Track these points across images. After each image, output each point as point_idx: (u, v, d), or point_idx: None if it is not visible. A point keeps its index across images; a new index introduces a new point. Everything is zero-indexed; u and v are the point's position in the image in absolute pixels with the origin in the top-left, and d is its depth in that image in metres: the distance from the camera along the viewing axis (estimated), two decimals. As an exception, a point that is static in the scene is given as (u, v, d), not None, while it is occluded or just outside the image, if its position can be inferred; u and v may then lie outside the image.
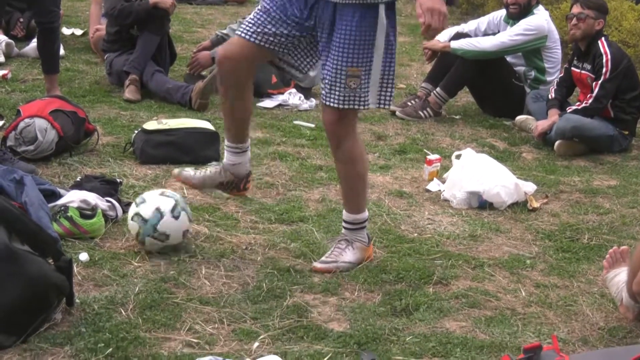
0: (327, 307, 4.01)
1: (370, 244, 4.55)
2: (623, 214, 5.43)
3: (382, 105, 4.47)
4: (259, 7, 4.43)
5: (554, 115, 6.62)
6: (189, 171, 4.77)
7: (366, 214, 4.56)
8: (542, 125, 6.60)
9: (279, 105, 7.26)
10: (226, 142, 4.74)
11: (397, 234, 4.88)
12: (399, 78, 8.27)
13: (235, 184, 4.74)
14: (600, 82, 6.44)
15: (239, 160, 4.70)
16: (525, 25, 7.08)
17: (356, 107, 4.29)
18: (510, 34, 7.07)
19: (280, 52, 4.45)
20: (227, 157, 4.72)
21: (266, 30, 4.32)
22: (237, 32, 4.54)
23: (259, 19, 4.37)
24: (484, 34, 7.32)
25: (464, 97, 7.47)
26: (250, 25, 4.36)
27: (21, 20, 8.40)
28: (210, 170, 4.74)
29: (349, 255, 4.42)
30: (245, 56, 4.41)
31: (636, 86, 6.69)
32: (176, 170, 4.78)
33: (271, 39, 4.33)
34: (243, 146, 4.69)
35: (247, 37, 4.35)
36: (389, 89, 4.42)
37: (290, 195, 5.14)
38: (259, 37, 4.32)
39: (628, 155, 6.58)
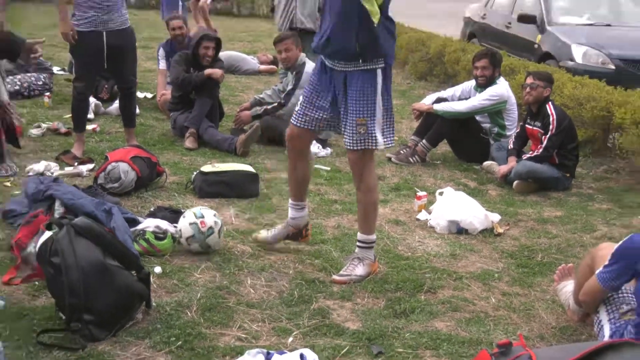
0: (344, 310, 4.02)
1: (375, 260, 4.58)
2: (567, 238, 5.42)
3: (387, 145, 4.56)
4: (302, 98, 4.61)
5: (512, 161, 6.64)
6: (263, 232, 4.91)
7: (374, 236, 4.59)
8: (503, 169, 6.62)
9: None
10: (290, 201, 4.82)
11: (395, 253, 4.87)
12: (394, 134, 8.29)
13: (298, 234, 4.82)
14: (548, 136, 6.46)
15: (299, 215, 4.80)
16: (490, 92, 7.12)
17: (368, 147, 4.37)
18: (479, 99, 7.11)
19: (323, 126, 4.63)
20: (290, 213, 4.81)
21: (310, 116, 4.51)
22: (292, 119, 4.66)
23: (305, 109, 4.56)
24: (459, 99, 7.35)
25: (443, 147, 7.45)
26: (300, 115, 4.56)
27: (106, 86, 8.48)
28: (277, 228, 4.85)
29: (360, 270, 4.43)
30: (301, 135, 4.62)
31: (575, 139, 6.72)
32: (254, 235, 4.90)
33: (315, 122, 4.52)
34: (302, 204, 4.80)
35: (300, 124, 4.56)
36: (391, 133, 4.52)
37: (313, 223, 5.11)
38: (307, 123, 4.53)
39: (570, 192, 6.56)
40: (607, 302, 3.58)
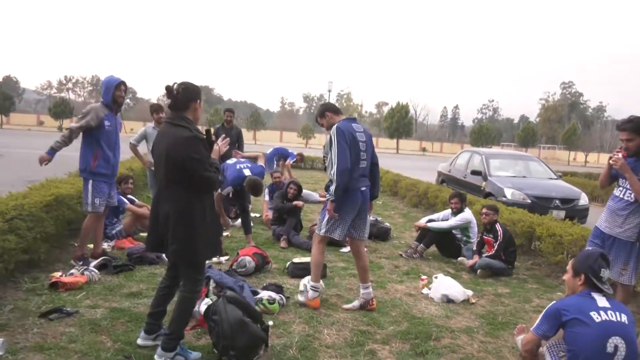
0: (385, 351, 3.84)
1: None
2: (515, 306, 5.17)
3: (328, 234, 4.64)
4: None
5: (476, 258, 6.48)
6: (348, 305, 4.75)
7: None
8: (470, 262, 6.45)
9: (350, 250, 7.05)
10: (360, 283, 4.80)
11: (412, 315, 4.67)
12: (402, 240, 8.18)
13: (366, 304, 4.71)
14: (497, 244, 6.32)
15: (366, 291, 4.75)
16: (461, 217, 7.05)
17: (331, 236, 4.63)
18: (454, 221, 7.04)
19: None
20: (361, 292, 4.77)
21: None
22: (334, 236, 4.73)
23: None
24: (441, 220, 7.24)
25: (433, 248, 7.26)
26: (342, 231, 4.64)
27: (234, 209, 8.51)
28: (355, 302, 4.76)
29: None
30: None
31: (514, 245, 6.55)
32: (344, 306, 4.73)
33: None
34: (366, 284, 4.77)
35: (339, 237, 4.69)
36: (336, 231, 4.61)
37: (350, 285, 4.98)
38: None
39: (512, 277, 6.30)
40: (550, 349, 3.35)
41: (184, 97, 3.28)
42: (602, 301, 3.06)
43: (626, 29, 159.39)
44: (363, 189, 4.58)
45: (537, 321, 3.26)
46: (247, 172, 6.36)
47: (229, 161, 6.70)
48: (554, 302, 3.31)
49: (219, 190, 6.48)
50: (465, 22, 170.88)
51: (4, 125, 53.30)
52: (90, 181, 5.27)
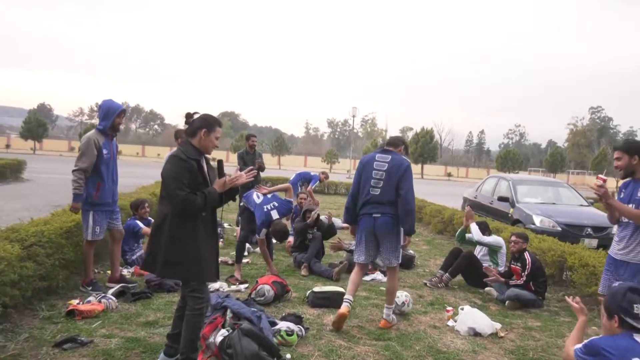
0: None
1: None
2: (547, 341, 4.88)
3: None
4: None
5: (494, 270, 6.38)
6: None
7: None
8: (492, 275, 6.27)
9: (372, 279, 6.90)
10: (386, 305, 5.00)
11: (437, 349, 4.44)
12: (426, 268, 7.94)
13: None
14: (525, 273, 6.05)
15: (386, 312, 4.98)
16: (494, 237, 6.98)
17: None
18: (488, 239, 6.95)
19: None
20: (384, 311, 5.01)
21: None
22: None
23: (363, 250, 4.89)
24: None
25: (459, 277, 7.01)
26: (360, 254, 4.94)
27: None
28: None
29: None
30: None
31: (544, 275, 6.27)
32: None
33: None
34: (390, 307, 4.97)
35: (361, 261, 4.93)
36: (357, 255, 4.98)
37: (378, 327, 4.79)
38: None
39: (542, 309, 6.01)
40: None
41: (194, 124, 3.42)
42: None
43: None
44: (376, 215, 4.71)
45: (581, 346, 3.00)
46: (274, 215, 6.19)
47: (256, 199, 6.42)
48: (598, 337, 3.07)
49: (257, 236, 6.35)
50: (491, 47, 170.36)
51: (37, 150, 54.83)
52: (91, 212, 5.24)
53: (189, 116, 3.52)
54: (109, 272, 5.59)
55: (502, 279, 6.21)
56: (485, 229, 7.07)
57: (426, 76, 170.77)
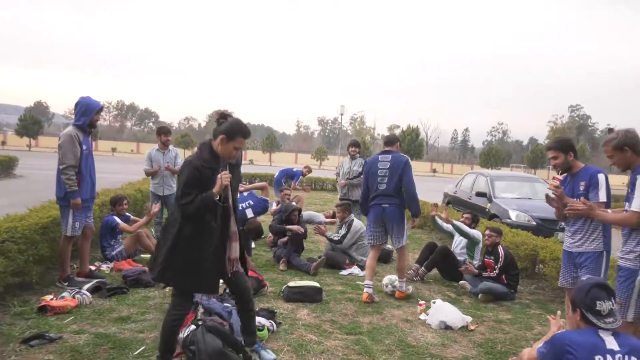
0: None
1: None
2: (516, 334, 4.82)
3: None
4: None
5: (471, 267, 6.24)
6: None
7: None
8: (470, 268, 6.22)
9: (349, 273, 6.80)
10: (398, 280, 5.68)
11: (407, 343, 4.35)
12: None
13: (395, 292, 5.77)
14: (499, 266, 5.99)
15: (400, 284, 5.77)
16: (475, 231, 6.92)
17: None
18: (471, 230, 6.88)
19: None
20: (397, 284, 5.73)
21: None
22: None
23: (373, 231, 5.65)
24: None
25: (434, 271, 6.93)
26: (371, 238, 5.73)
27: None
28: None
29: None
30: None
31: (516, 268, 6.22)
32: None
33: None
34: (402, 279, 5.76)
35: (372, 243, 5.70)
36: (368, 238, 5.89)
37: (352, 321, 4.69)
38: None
39: (514, 302, 5.95)
40: None
41: (220, 127, 3.23)
42: (610, 342, 2.64)
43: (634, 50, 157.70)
44: (385, 205, 5.56)
45: (543, 344, 2.91)
46: (249, 214, 6.09)
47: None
48: (563, 330, 2.98)
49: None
50: (474, 46, 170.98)
51: (33, 147, 54.14)
52: (71, 208, 5.13)
53: (222, 116, 3.30)
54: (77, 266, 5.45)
55: (476, 271, 6.14)
56: (474, 221, 7.06)
57: (413, 75, 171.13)
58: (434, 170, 66.38)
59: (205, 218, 3.15)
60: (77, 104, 5.19)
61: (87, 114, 5.12)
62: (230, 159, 3.24)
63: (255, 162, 52.61)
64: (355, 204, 8.17)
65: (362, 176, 8.13)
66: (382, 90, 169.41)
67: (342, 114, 50.16)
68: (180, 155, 7.85)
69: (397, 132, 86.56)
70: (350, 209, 7.60)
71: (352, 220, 7.33)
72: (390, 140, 5.73)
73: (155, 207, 6.49)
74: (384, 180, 5.54)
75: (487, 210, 10.32)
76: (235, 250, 3.35)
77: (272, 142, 62.87)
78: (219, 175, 3.14)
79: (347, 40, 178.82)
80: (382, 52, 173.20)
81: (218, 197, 3.16)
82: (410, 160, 5.62)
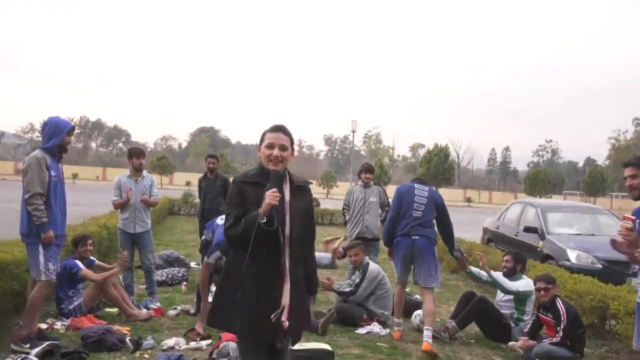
0: None
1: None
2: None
3: None
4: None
5: (524, 341, 5.96)
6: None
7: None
8: (520, 344, 5.95)
9: (368, 332, 6.58)
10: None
11: None
12: (438, 316, 7.68)
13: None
14: (562, 327, 5.79)
15: (426, 334, 5.87)
16: (525, 283, 6.63)
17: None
18: (518, 285, 6.61)
19: None
20: (424, 333, 5.89)
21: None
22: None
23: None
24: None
25: (475, 328, 6.73)
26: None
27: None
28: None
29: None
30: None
31: (582, 326, 6.01)
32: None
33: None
34: (429, 328, 5.93)
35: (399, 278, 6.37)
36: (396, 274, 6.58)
37: None
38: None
39: (580, 367, 5.76)
40: None
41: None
42: None
43: None
44: (415, 237, 6.08)
45: None
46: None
47: (219, 220, 6.30)
48: None
49: (206, 258, 6.12)
50: (514, 49, 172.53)
51: (-24, 174, 54.54)
52: (40, 246, 5.19)
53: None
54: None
55: (533, 343, 5.91)
56: (518, 261, 6.87)
57: (439, 86, 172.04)
58: (468, 200, 66.32)
59: (254, 247, 3.16)
60: (45, 125, 5.45)
61: (56, 134, 5.35)
62: (273, 162, 3.29)
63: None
64: (370, 244, 8.06)
65: (386, 209, 8.07)
66: (402, 102, 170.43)
67: (353, 131, 50.61)
68: (157, 183, 7.77)
69: (422, 152, 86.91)
70: (365, 250, 7.44)
71: (368, 264, 7.18)
72: (424, 181, 6.61)
73: (123, 255, 6.51)
74: (420, 207, 6.15)
75: (538, 249, 10.17)
76: (285, 295, 3.22)
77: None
78: (267, 193, 3.15)
79: (356, 46, 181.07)
80: (399, 59, 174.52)
81: (265, 220, 3.12)
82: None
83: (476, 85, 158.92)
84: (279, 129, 3.36)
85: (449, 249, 6.51)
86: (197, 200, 11.60)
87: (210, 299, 6.36)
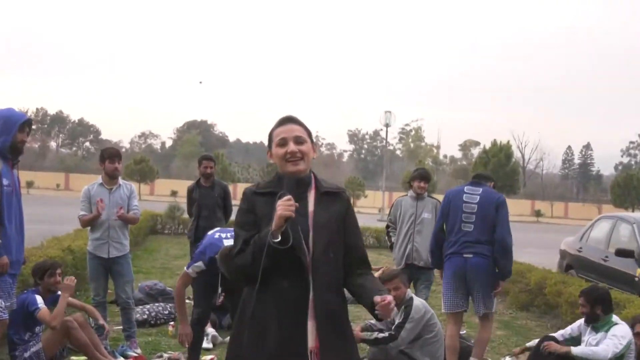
0: None
1: None
2: None
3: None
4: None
5: None
6: None
7: None
8: None
9: None
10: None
11: None
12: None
13: None
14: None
15: None
16: (620, 330, 6.31)
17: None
18: (614, 343, 6.20)
19: None
20: None
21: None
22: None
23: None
24: (570, 336, 6.58)
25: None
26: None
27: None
28: None
29: None
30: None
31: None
32: None
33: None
34: None
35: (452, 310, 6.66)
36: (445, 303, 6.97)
37: None
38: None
39: None
40: None
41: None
42: None
43: None
44: (468, 255, 6.24)
45: None
46: (227, 243, 5.99)
47: (210, 231, 6.53)
48: None
49: (186, 268, 6.25)
50: (592, 25, 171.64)
51: None
52: None
53: None
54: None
55: None
56: (596, 303, 6.65)
57: (497, 67, 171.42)
58: (538, 213, 66.01)
59: (271, 274, 3.14)
60: None
61: (6, 131, 5.27)
62: (292, 160, 3.33)
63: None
64: (421, 272, 8.07)
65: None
66: (449, 89, 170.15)
67: (387, 125, 50.68)
68: (137, 194, 7.78)
69: (476, 151, 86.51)
70: (406, 281, 7.33)
71: (411, 299, 7.08)
72: (484, 177, 6.64)
73: (70, 280, 6.37)
74: (469, 218, 6.27)
75: (636, 279, 10.02)
76: (310, 337, 3.19)
77: (276, 169, 63.43)
78: (278, 202, 3.13)
79: (391, 15, 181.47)
80: (444, 32, 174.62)
81: (279, 239, 3.09)
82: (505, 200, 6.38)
83: (544, 68, 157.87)
84: (289, 119, 3.43)
85: (499, 271, 6.39)
86: (186, 215, 11.61)
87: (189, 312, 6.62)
